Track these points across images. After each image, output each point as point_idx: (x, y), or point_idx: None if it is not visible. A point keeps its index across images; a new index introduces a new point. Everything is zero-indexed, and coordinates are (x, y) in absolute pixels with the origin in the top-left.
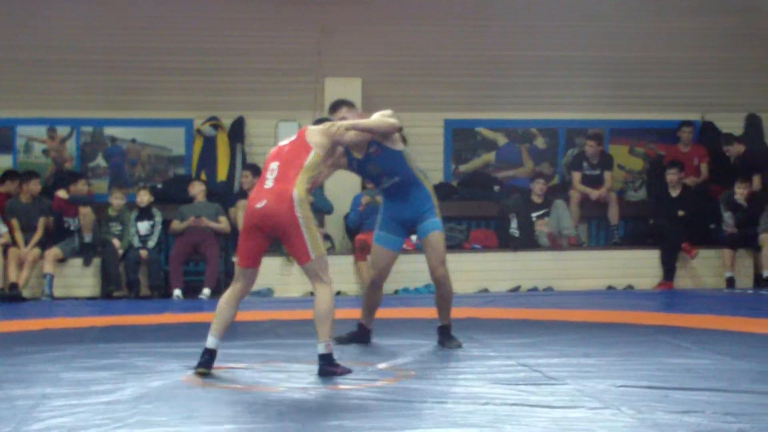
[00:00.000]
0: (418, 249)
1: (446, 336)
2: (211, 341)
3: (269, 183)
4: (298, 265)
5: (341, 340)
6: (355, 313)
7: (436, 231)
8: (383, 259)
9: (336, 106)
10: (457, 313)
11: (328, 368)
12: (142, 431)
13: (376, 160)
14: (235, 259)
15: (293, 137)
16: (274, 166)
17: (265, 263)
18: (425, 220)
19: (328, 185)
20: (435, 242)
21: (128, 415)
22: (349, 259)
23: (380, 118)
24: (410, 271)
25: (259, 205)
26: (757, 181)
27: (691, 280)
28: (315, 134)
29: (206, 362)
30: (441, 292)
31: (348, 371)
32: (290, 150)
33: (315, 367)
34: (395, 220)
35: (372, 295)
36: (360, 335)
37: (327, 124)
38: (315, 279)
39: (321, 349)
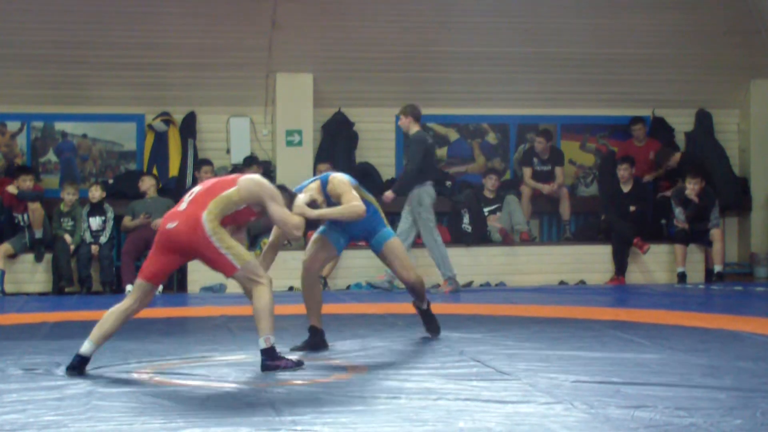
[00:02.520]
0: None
1: (427, 318)
2: (86, 347)
3: (183, 205)
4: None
5: (297, 349)
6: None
7: (392, 238)
8: (317, 247)
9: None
10: (410, 308)
11: (269, 363)
12: (94, 426)
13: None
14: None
15: (232, 175)
16: (195, 189)
17: None
18: (378, 232)
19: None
20: (394, 249)
21: (80, 411)
22: (302, 255)
23: (348, 208)
24: (362, 266)
25: (170, 225)
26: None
27: (643, 275)
28: (250, 183)
29: (74, 366)
30: (415, 290)
31: (298, 363)
32: (217, 181)
33: None
34: (343, 232)
35: (309, 290)
36: (314, 340)
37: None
38: (249, 283)
39: (261, 344)
